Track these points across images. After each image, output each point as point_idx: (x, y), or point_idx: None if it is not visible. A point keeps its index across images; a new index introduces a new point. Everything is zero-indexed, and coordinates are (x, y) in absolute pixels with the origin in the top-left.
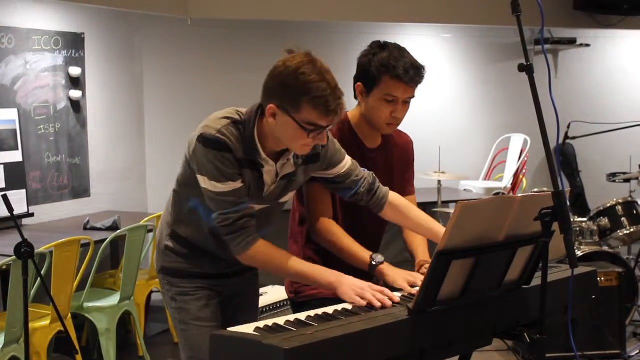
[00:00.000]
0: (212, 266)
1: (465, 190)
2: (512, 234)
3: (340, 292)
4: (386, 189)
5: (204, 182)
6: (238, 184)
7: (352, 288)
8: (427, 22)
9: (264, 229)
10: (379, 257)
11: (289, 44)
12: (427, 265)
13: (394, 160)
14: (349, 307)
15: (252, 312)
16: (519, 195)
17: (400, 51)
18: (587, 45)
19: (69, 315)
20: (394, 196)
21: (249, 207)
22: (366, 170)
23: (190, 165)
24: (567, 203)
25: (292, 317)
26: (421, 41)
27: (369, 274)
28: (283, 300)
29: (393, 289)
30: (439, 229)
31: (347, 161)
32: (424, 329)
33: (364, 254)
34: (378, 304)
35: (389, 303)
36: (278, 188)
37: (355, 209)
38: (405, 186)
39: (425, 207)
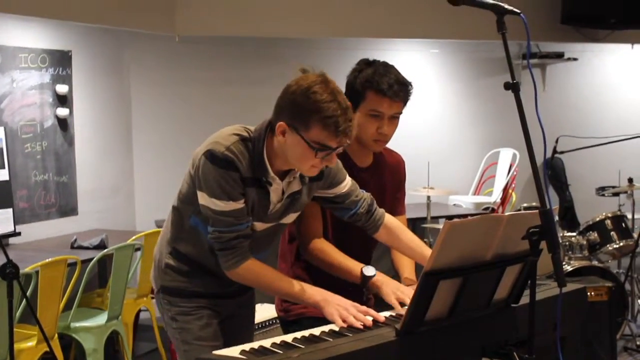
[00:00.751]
0: (213, 284)
1: (454, 205)
2: (499, 253)
3: (325, 312)
4: (382, 210)
5: (203, 198)
6: (239, 204)
7: (337, 308)
8: (415, 37)
9: (264, 250)
10: (369, 270)
11: (303, 64)
12: (414, 285)
13: (385, 180)
14: (336, 328)
15: (249, 334)
16: (506, 214)
17: (386, 67)
18: (575, 59)
19: (56, 335)
20: (389, 218)
21: (246, 228)
22: (364, 191)
23: (193, 182)
24: (555, 220)
25: (278, 339)
26: (409, 56)
27: (360, 290)
28: (273, 319)
29: (386, 304)
30: (428, 253)
31: (348, 181)
32: (412, 350)
33: (355, 267)
34: (359, 325)
35: (370, 323)
36: (282, 206)
37: (346, 227)
38: (395, 206)
39: (414, 222)
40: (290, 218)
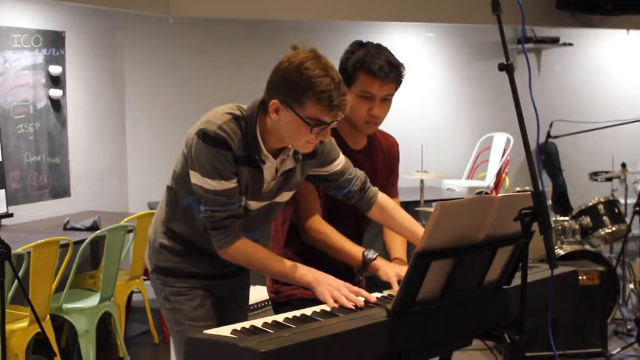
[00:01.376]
0: (207, 265)
1: (448, 189)
2: (492, 234)
3: (316, 292)
4: (375, 188)
5: (195, 177)
6: (231, 184)
7: (328, 288)
8: (411, 20)
9: (260, 229)
10: (371, 253)
11: (294, 41)
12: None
13: (379, 162)
14: (327, 308)
15: (243, 315)
16: (499, 195)
17: (379, 49)
18: (570, 44)
19: (48, 316)
20: (382, 196)
21: (239, 207)
22: (358, 169)
23: (187, 161)
24: (547, 203)
25: (269, 319)
26: (405, 40)
27: (351, 272)
28: (265, 300)
29: (385, 284)
30: (422, 231)
31: (342, 159)
32: (403, 330)
33: (356, 250)
34: (350, 305)
35: (362, 303)
36: (276, 185)
37: (338, 208)
38: (389, 189)
39: (407, 206)
40: (285, 197)
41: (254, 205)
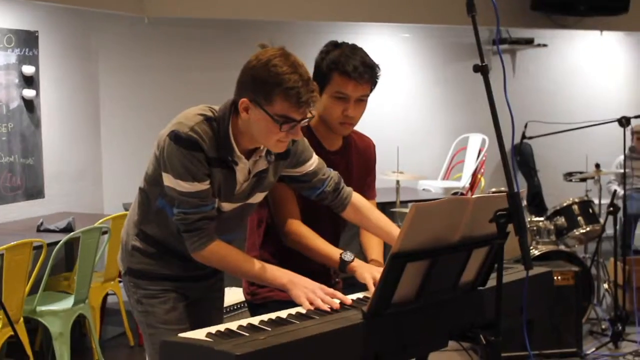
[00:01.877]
0: (180, 267)
1: (423, 190)
2: (467, 236)
3: (292, 294)
4: (350, 189)
5: (168, 179)
6: (204, 185)
7: (304, 290)
8: (386, 21)
9: (234, 231)
10: (348, 255)
11: (265, 40)
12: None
13: (354, 163)
14: (303, 310)
15: (219, 317)
16: (474, 196)
17: (354, 50)
18: (545, 45)
19: (21, 319)
20: (356, 197)
21: (212, 209)
22: (331, 169)
23: (159, 163)
24: (523, 204)
25: (244, 322)
26: (380, 41)
27: (328, 273)
28: (241, 302)
29: (364, 285)
30: (396, 231)
31: (315, 159)
32: (379, 333)
33: (334, 252)
34: (325, 307)
35: (337, 305)
36: (249, 186)
37: (315, 209)
38: (365, 190)
39: (383, 207)
40: (258, 198)
41: (227, 206)
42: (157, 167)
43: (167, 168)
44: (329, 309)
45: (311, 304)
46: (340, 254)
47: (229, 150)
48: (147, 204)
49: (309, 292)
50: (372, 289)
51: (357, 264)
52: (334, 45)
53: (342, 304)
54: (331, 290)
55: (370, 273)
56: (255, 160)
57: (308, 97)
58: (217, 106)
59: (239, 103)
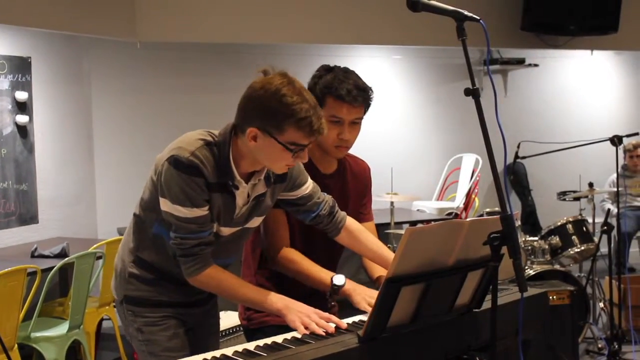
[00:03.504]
0: (178, 293)
1: (418, 210)
2: (461, 259)
3: (287, 319)
4: (343, 213)
5: (165, 205)
6: (202, 211)
7: (299, 315)
8: (378, 43)
9: (232, 256)
10: (338, 279)
11: (265, 65)
12: None
13: (350, 187)
14: (299, 335)
15: (215, 342)
16: (468, 219)
17: (346, 73)
18: (536, 65)
19: (15, 346)
20: (350, 221)
21: (209, 235)
22: (326, 194)
23: (156, 188)
24: (517, 224)
25: (240, 347)
26: (371, 62)
27: (323, 297)
28: (236, 326)
29: (350, 311)
30: (389, 255)
31: (310, 183)
32: (374, 357)
33: (326, 276)
34: (320, 332)
35: (332, 330)
36: (247, 210)
37: (312, 234)
38: (362, 212)
39: (378, 228)
40: (255, 222)
41: (225, 231)
42: (153, 192)
43: (165, 193)
44: (324, 333)
45: (306, 328)
46: (332, 278)
47: (230, 175)
48: (142, 230)
49: (304, 317)
50: (368, 311)
51: (351, 288)
52: (326, 70)
53: (337, 328)
54: (326, 314)
55: (364, 298)
56: (254, 183)
57: (319, 125)
58: (216, 130)
59: (247, 132)
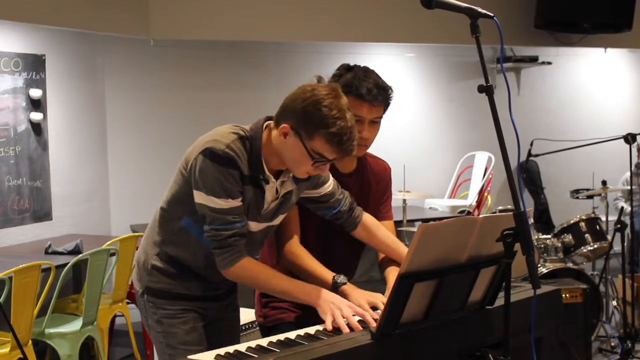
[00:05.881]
0: (199, 287)
1: (430, 208)
2: (474, 255)
3: (319, 310)
4: (360, 209)
5: (200, 197)
6: (237, 202)
7: (331, 307)
8: (391, 41)
9: (254, 254)
10: (341, 278)
11: (320, 73)
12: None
13: (370, 186)
14: (311, 332)
15: (235, 337)
16: (481, 216)
17: (366, 72)
18: (549, 63)
19: (30, 342)
20: (367, 216)
21: (243, 226)
22: (344, 190)
23: (186, 182)
24: (530, 222)
25: (253, 344)
26: (384, 60)
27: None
28: (251, 322)
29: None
30: (404, 251)
31: (332, 181)
32: (387, 353)
33: (327, 274)
34: (346, 330)
35: (359, 327)
36: (275, 206)
37: (330, 233)
38: (380, 211)
39: None
40: (279, 220)
41: (253, 226)
42: (182, 186)
43: (200, 185)
44: (348, 330)
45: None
46: (333, 277)
47: (260, 169)
48: (169, 224)
49: (335, 309)
50: (369, 313)
51: (349, 288)
52: (346, 69)
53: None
54: (360, 310)
55: (364, 298)
56: (283, 180)
57: (348, 146)
58: (244, 125)
59: (280, 127)
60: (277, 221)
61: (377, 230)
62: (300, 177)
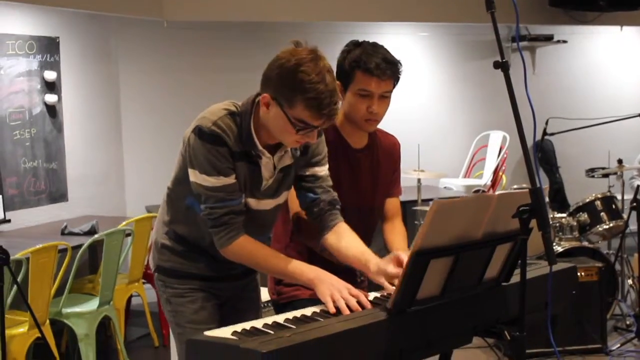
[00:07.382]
0: (208, 267)
1: (445, 188)
2: (490, 232)
3: (317, 290)
4: (341, 217)
5: (194, 175)
6: (230, 180)
7: (330, 288)
8: (404, 20)
9: (264, 233)
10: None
11: (298, 38)
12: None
13: (380, 161)
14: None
15: (255, 317)
16: (496, 193)
17: (374, 47)
18: (565, 41)
19: (47, 321)
20: (344, 225)
21: (238, 204)
22: (335, 195)
23: (185, 161)
24: (545, 200)
25: (269, 320)
26: (398, 40)
27: (353, 272)
28: (265, 301)
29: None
30: (369, 253)
31: (327, 171)
32: (403, 329)
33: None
34: (346, 312)
35: (359, 309)
36: (275, 182)
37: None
38: (390, 187)
39: (404, 205)
40: (284, 197)
41: (253, 203)
42: (183, 166)
43: (193, 164)
44: (348, 312)
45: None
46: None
47: (252, 144)
48: (175, 203)
49: (335, 291)
50: (388, 288)
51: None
52: (354, 44)
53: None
54: (356, 291)
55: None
56: (280, 155)
57: (329, 110)
58: (241, 102)
59: (261, 97)
60: (281, 198)
61: (346, 234)
62: (291, 146)
